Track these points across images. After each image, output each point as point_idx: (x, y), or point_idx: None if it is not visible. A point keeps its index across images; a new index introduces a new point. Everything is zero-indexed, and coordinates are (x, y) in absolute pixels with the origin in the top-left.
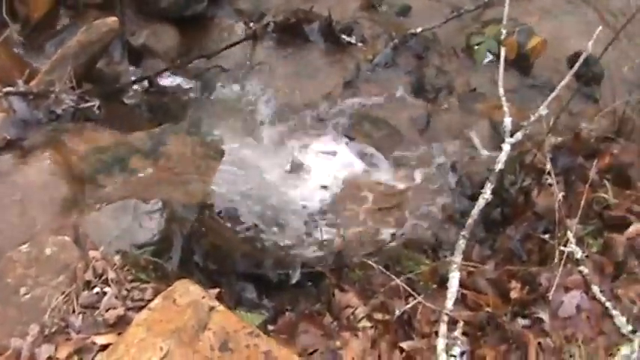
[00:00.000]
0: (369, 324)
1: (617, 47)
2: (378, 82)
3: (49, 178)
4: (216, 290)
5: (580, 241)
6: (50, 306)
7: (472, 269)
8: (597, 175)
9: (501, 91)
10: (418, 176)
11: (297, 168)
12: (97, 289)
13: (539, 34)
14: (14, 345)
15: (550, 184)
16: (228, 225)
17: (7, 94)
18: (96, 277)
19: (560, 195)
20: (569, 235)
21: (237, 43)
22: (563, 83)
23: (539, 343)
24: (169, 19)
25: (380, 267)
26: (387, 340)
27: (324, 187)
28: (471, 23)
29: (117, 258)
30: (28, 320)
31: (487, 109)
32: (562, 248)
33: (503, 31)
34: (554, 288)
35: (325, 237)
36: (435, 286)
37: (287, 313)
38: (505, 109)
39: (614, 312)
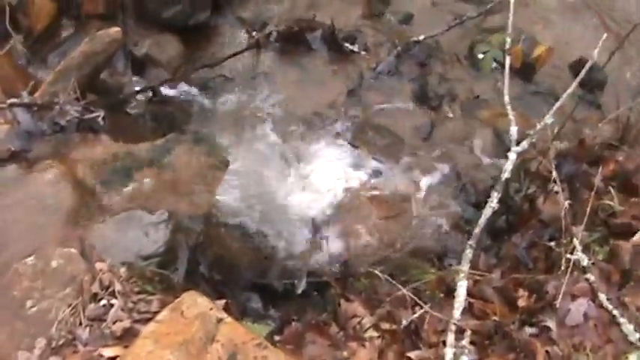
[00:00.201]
0: (375, 334)
1: (620, 53)
2: (382, 90)
3: (54, 190)
4: (223, 301)
5: (586, 249)
6: (57, 319)
7: (478, 278)
8: (602, 182)
9: (507, 99)
10: (422, 184)
11: (301, 177)
12: (103, 302)
13: (542, 41)
14: (21, 358)
15: (556, 192)
16: (234, 235)
17: (12, 105)
18: (102, 290)
19: (567, 203)
20: (576, 242)
21: (241, 52)
22: (568, 91)
23: (546, 352)
24: (172, 29)
25: (386, 276)
26: (395, 350)
27: (329, 196)
28: (473, 30)
29: (123, 270)
30: (35, 333)
31: (490, 117)
32: (568, 256)
33: (508, 40)
34: (561, 296)
35: (330, 246)
36: (441, 295)
37: (293, 324)
38: (511, 117)
39: (622, 320)
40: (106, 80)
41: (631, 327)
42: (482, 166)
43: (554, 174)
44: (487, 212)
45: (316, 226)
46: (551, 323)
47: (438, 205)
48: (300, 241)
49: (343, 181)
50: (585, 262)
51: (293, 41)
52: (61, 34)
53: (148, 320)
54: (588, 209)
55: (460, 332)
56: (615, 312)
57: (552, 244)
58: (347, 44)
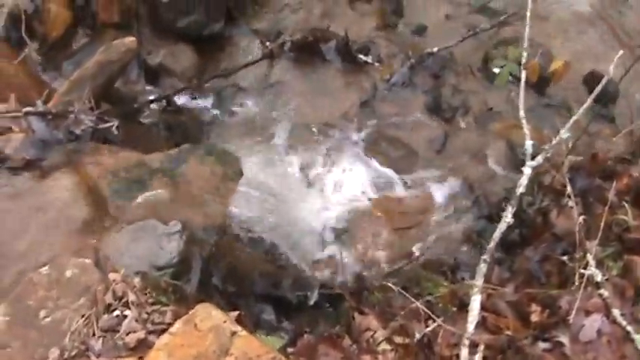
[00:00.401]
0: (389, 347)
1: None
2: (395, 102)
3: (69, 199)
4: (236, 313)
5: (600, 264)
6: (70, 329)
7: (491, 291)
8: (616, 196)
9: (522, 114)
10: (435, 196)
11: (314, 188)
12: (117, 312)
13: (556, 53)
14: None
15: (570, 207)
16: (247, 246)
17: (27, 114)
18: (116, 300)
19: (581, 218)
20: (589, 257)
21: (255, 62)
22: (584, 107)
23: None
24: (186, 39)
25: (399, 289)
26: None
27: (342, 207)
28: (487, 42)
29: (137, 280)
30: (48, 343)
31: (504, 129)
32: (582, 271)
33: (525, 55)
34: (574, 311)
35: (344, 258)
36: (454, 308)
37: (306, 336)
38: (526, 131)
39: (636, 336)
40: (120, 89)
41: None
42: (495, 179)
43: (569, 188)
44: (502, 227)
45: (329, 237)
46: (564, 339)
47: (451, 217)
48: (313, 253)
49: (356, 192)
50: (599, 277)
51: (307, 51)
52: (75, 42)
53: (162, 332)
54: (602, 224)
55: (473, 346)
56: (629, 328)
57: (565, 258)
58: (361, 55)
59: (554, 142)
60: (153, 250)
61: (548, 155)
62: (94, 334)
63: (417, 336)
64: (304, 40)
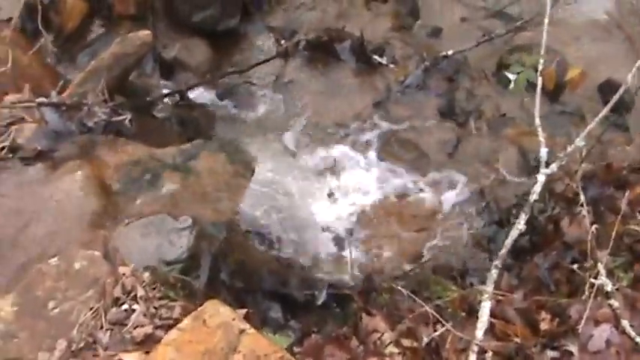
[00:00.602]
0: (396, 350)
1: None
2: (408, 104)
3: (80, 191)
4: (244, 310)
5: (610, 274)
6: (78, 321)
7: (500, 298)
8: (628, 206)
9: (537, 121)
10: (446, 200)
11: (325, 188)
12: (125, 306)
13: (571, 60)
14: (41, 359)
15: (583, 215)
16: (256, 243)
17: (40, 104)
18: (125, 294)
19: (593, 227)
20: (600, 267)
21: (269, 59)
22: (600, 115)
23: None
24: (202, 34)
25: (408, 292)
26: None
27: (353, 208)
28: (502, 47)
29: (146, 275)
30: (56, 334)
31: (516, 135)
32: (592, 280)
33: (541, 62)
34: (583, 321)
35: (353, 258)
36: (463, 313)
37: (313, 335)
38: (541, 139)
39: None
40: (135, 82)
41: None
42: (506, 185)
43: (582, 197)
44: (514, 234)
45: (339, 238)
46: (573, 348)
47: (461, 221)
48: (322, 252)
49: (367, 193)
50: (609, 287)
51: (321, 51)
52: (91, 34)
53: (170, 327)
54: (614, 234)
55: (481, 353)
56: (638, 339)
57: (575, 267)
58: (375, 56)
59: (568, 150)
60: (162, 245)
61: (563, 163)
62: (101, 327)
63: (425, 340)
64: (319, 39)
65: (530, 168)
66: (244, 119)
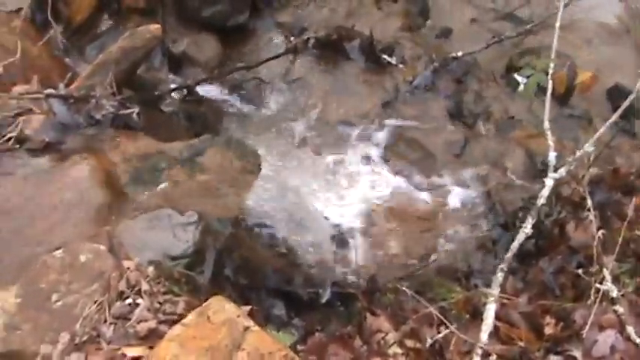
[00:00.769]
0: (400, 350)
1: None
2: (417, 105)
3: (86, 184)
4: (248, 307)
5: (616, 280)
6: (82, 314)
7: (505, 301)
8: (635, 212)
9: (547, 125)
10: (452, 201)
11: (331, 186)
12: (129, 300)
13: (580, 65)
14: (44, 352)
15: (590, 220)
16: (261, 240)
17: (48, 96)
18: (129, 288)
19: (600, 233)
20: (605, 272)
21: (278, 56)
22: (610, 121)
23: None
24: (211, 29)
25: (413, 293)
26: None
27: (358, 207)
28: (510, 50)
29: (151, 269)
30: (59, 327)
31: (524, 138)
32: (598, 285)
33: (552, 65)
34: (588, 326)
35: (357, 257)
36: (467, 316)
37: (317, 334)
38: (550, 143)
39: None
40: (143, 76)
41: None
42: (512, 187)
43: (589, 202)
44: (520, 237)
45: (344, 237)
46: (577, 353)
47: (467, 223)
48: (326, 250)
49: (373, 192)
50: (615, 293)
51: (331, 49)
52: (100, 26)
53: (173, 322)
54: (620, 239)
55: (485, 356)
56: None
57: (580, 271)
58: (384, 56)
59: (577, 155)
60: (168, 240)
61: (572, 168)
62: (105, 321)
63: (429, 341)
64: (328, 37)
65: (536, 171)
66: (252, 115)
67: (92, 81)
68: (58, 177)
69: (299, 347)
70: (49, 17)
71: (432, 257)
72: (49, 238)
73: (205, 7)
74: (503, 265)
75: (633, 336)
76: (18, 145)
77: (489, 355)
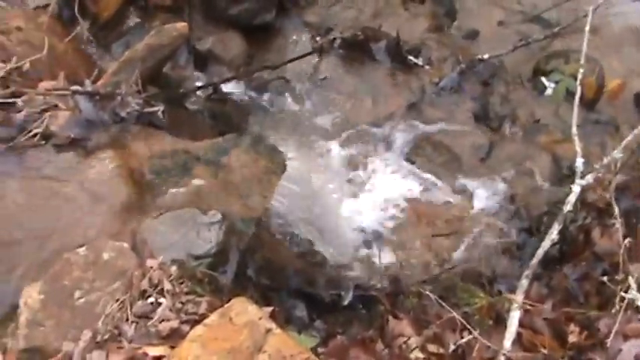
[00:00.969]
0: (421, 355)
1: None
2: (443, 107)
3: (110, 181)
4: (270, 308)
5: None
6: (104, 312)
7: (529, 307)
8: None
9: (574, 130)
10: (476, 205)
11: (355, 188)
12: (151, 299)
13: (608, 69)
14: (66, 349)
15: (616, 228)
16: (284, 241)
17: (75, 92)
18: (151, 287)
19: (627, 241)
20: (631, 280)
21: (304, 56)
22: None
23: None
24: (237, 27)
25: (436, 297)
26: None
27: (382, 209)
28: (538, 53)
29: (174, 268)
30: (81, 325)
31: (550, 142)
32: (623, 294)
33: (581, 71)
34: (612, 335)
35: (381, 260)
36: (490, 322)
37: (338, 337)
38: (577, 149)
39: None
40: (168, 74)
41: None
42: (537, 192)
43: (615, 209)
44: (546, 244)
45: (367, 238)
46: None
47: (491, 227)
48: (349, 252)
49: (398, 194)
50: None
51: (357, 49)
52: (126, 23)
53: (195, 322)
54: None
55: None
56: None
57: (605, 279)
58: (411, 57)
59: (605, 161)
60: (191, 239)
61: (599, 175)
62: (127, 319)
63: (452, 347)
64: (355, 37)
65: (562, 176)
66: (277, 115)
67: (118, 78)
68: (82, 174)
69: (320, 350)
70: (76, 13)
71: (456, 261)
72: (73, 234)
73: (232, 5)
74: (528, 272)
75: None
76: (43, 141)
77: None
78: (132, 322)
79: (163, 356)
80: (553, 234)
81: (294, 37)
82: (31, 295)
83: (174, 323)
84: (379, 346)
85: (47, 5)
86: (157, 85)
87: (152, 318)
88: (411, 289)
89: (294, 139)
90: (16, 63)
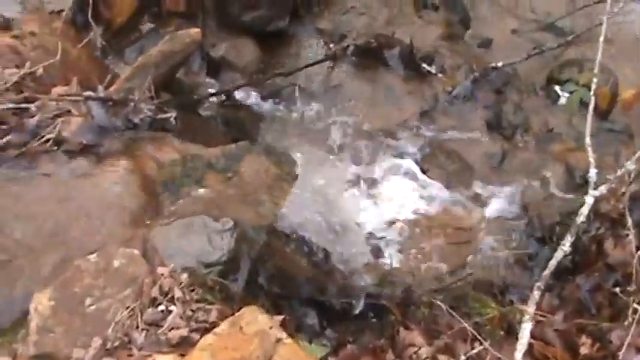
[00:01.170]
0: None
1: None
2: (455, 115)
3: (122, 188)
4: (281, 317)
5: None
6: (114, 319)
7: (541, 318)
8: None
9: (588, 140)
10: (489, 214)
11: (367, 196)
12: (162, 307)
13: (621, 78)
14: (76, 356)
15: (629, 239)
16: (295, 248)
17: (87, 98)
18: (162, 295)
19: None
20: None
21: (317, 62)
22: None
23: None
24: (250, 34)
25: (447, 308)
26: None
27: (394, 217)
28: (551, 61)
29: (184, 276)
30: (91, 332)
31: (563, 151)
32: (635, 306)
33: (595, 81)
34: (625, 347)
35: (392, 269)
36: (502, 332)
37: (349, 346)
38: (591, 160)
39: None
40: (181, 80)
41: None
42: (550, 201)
43: (629, 220)
44: (559, 255)
45: (379, 247)
46: None
47: (503, 236)
48: (361, 261)
49: (410, 203)
50: None
51: (370, 56)
52: (140, 29)
53: (205, 330)
54: None
55: None
56: None
57: (617, 290)
58: (424, 64)
59: (619, 173)
60: (202, 247)
61: (613, 186)
62: (137, 327)
63: (463, 357)
64: (368, 44)
65: (575, 185)
66: (289, 122)
67: (131, 84)
68: (94, 180)
69: (330, 358)
70: (90, 19)
71: (468, 271)
72: (84, 241)
73: (246, 12)
74: (540, 284)
75: None
76: (55, 147)
77: None
78: (142, 329)
79: None
80: (566, 246)
81: (308, 44)
82: (42, 302)
83: (185, 331)
84: (390, 355)
85: (61, 11)
86: (170, 92)
87: (162, 326)
88: (422, 299)
89: (307, 146)
90: (29, 68)
